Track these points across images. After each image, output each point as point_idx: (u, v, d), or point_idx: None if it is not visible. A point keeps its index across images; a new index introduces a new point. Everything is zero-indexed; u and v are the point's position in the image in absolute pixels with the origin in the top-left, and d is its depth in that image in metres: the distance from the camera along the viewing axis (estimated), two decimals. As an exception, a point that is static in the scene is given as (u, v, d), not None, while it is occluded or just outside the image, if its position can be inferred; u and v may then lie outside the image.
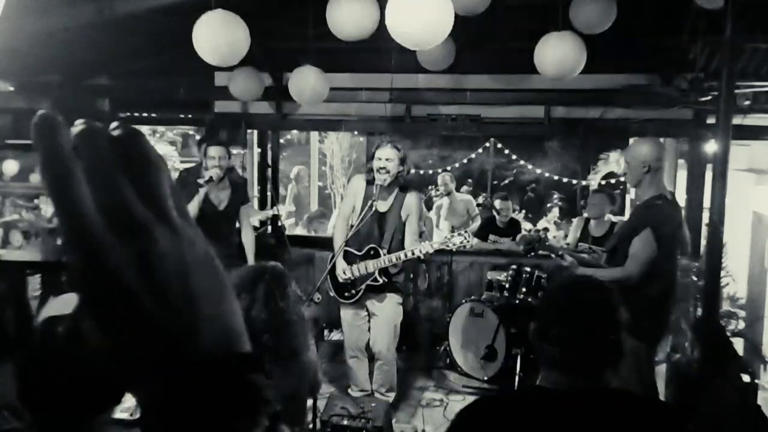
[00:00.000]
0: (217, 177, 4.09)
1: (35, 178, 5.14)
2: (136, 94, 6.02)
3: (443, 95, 5.42)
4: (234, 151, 6.27)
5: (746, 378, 3.08)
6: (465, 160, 9.89)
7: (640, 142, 3.28)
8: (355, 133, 9.99)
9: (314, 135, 9.95)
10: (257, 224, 5.54)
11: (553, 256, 3.54)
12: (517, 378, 4.30)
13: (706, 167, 4.97)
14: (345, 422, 3.02)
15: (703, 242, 3.53)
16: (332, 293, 4.01)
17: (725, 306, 5.05)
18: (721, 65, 3.07)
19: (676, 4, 4.26)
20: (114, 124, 0.38)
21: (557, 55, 3.81)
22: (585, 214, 5.33)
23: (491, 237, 5.85)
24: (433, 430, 4.04)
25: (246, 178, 5.39)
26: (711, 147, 4.51)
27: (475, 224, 6.30)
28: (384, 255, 3.81)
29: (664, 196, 3.08)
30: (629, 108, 5.14)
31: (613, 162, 9.40)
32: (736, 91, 3.95)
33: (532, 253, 3.62)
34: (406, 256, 3.76)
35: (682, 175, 5.71)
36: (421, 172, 9.72)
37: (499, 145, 9.35)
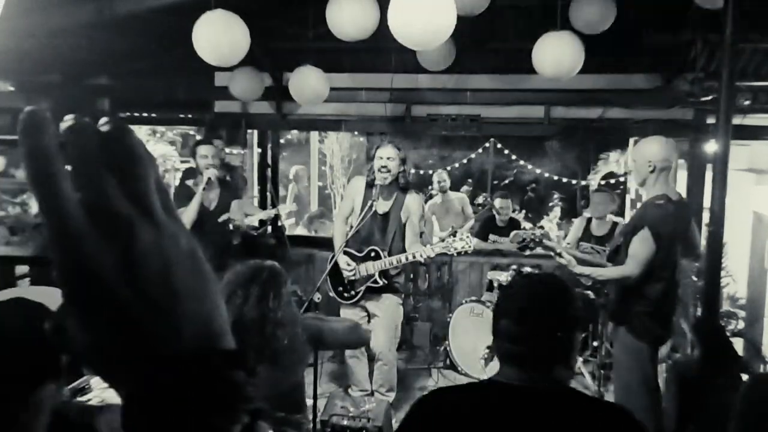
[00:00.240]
0: (215, 176, 4.08)
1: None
2: (136, 94, 6.02)
3: (443, 95, 5.42)
4: (234, 151, 6.28)
5: (746, 378, 3.08)
6: (465, 160, 9.90)
7: (647, 141, 3.21)
8: (355, 133, 10.00)
9: (314, 135, 9.95)
10: (256, 224, 5.53)
11: (551, 254, 3.54)
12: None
13: (706, 167, 4.97)
14: (345, 422, 3.02)
15: (703, 242, 3.52)
16: (332, 294, 4.01)
17: (725, 306, 5.06)
18: (721, 65, 3.07)
19: (676, 3, 4.26)
20: (103, 120, 0.38)
21: (555, 55, 3.81)
22: (586, 214, 5.33)
23: (491, 237, 5.85)
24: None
25: (237, 174, 5.37)
26: (711, 147, 4.51)
27: (468, 224, 6.28)
28: (384, 257, 3.80)
29: (667, 196, 3.06)
30: (629, 108, 5.14)
31: (613, 162, 9.41)
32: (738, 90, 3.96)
33: (527, 251, 3.62)
34: (407, 259, 3.75)
35: (682, 175, 5.71)
36: (421, 172, 9.73)
37: (499, 145, 9.37)
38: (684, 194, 5.17)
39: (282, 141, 7.58)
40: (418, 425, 1.37)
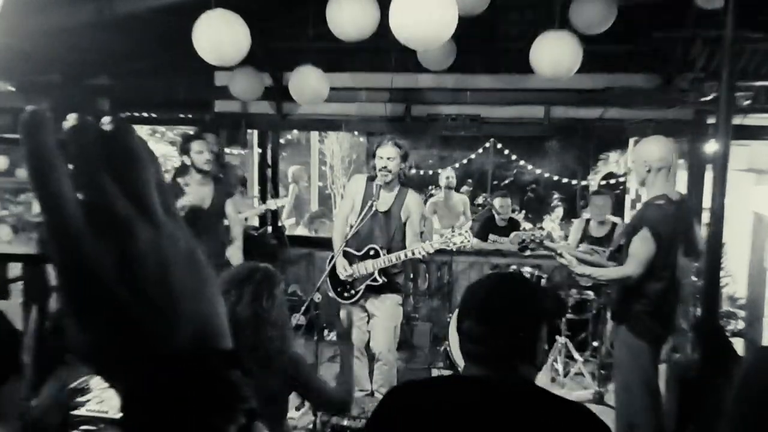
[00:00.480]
0: (211, 168, 4.10)
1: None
2: (136, 94, 6.02)
3: (443, 95, 5.42)
4: (234, 151, 6.28)
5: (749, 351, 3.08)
6: (465, 160, 9.90)
7: (644, 142, 3.24)
8: (355, 133, 10.00)
9: (314, 135, 9.95)
10: (256, 222, 5.53)
11: (553, 254, 3.55)
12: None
13: (706, 167, 4.97)
14: (345, 422, 3.02)
15: (704, 242, 3.52)
16: (332, 294, 4.01)
17: (725, 306, 5.06)
18: (721, 65, 3.07)
19: (676, 3, 4.26)
20: (105, 119, 0.38)
21: (553, 54, 3.81)
22: (585, 215, 5.33)
23: (491, 237, 5.84)
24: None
25: (228, 168, 5.36)
26: (711, 147, 4.51)
27: (468, 224, 6.28)
28: (384, 255, 3.80)
29: (667, 196, 3.07)
30: (629, 108, 5.14)
31: (613, 162, 9.42)
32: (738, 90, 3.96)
33: (527, 251, 3.62)
34: (406, 255, 3.75)
35: (683, 175, 5.71)
36: (421, 172, 9.73)
37: (499, 145, 9.37)
38: (684, 194, 5.19)
39: (282, 141, 7.57)
40: (384, 419, 1.38)
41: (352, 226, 3.82)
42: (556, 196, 10.40)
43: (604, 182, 8.80)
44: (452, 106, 5.44)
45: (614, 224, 5.08)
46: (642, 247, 3.02)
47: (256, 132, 6.48)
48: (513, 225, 6.05)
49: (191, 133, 4.77)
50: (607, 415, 3.50)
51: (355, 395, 3.95)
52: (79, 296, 0.36)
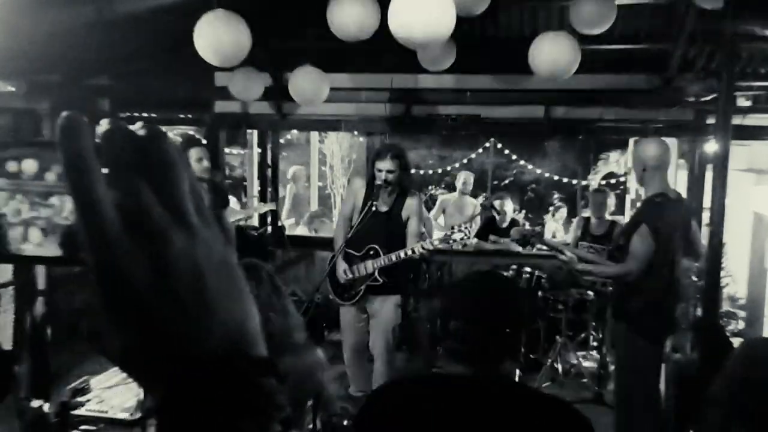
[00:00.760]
0: (208, 176, 4.10)
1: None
2: (136, 94, 6.02)
3: (443, 95, 5.42)
4: (234, 151, 6.28)
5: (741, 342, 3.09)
6: (465, 160, 9.91)
7: (639, 143, 3.36)
8: (355, 133, 9.99)
9: (314, 135, 9.94)
10: (253, 222, 5.53)
11: (553, 252, 3.56)
12: (517, 378, 4.30)
13: (706, 167, 4.97)
14: (345, 422, 3.02)
15: (704, 242, 3.53)
16: (332, 296, 4.01)
17: (725, 306, 5.06)
18: (721, 65, 3.07)
19: (676, 3, 4.26)
20: (139, 124, 0.38)
21: (552, 55, 3.81)
22: (585, 214, 5.34)
23: (491, 237, 5.85)
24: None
25: (224, 179, 5.37)
26: (711, 147, 4.51)
27: (468, 222, 6.28)
28: (383, 255, 3.80)
29: (665, 193, 3.09)
30: (629, 108, 5.14)
31: (613, 162, 9.43)
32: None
33: (528, 247, 3.64)
34: (405, 254, 3.75)
35: (683, 175, 5.71)
36: (421, 172, 9.74)
37: (499, 145, 9.38)
38: (684, 194, 5.19)
39: (282, 141, 7.57)
40: (371, 417, 1.40)
41: (353, 227, 3.83)
42: (556, 196, 10.41)
43: (604, 182, 8.81)
44: (452, 106, 5.43)
45: (614, 222, 5.09)
46: (641, 244, 3.04)
47: (256, 132, 6.48)
48: (513, 225, 6.06)
49: (190, 133, 4.77)
50: (607, 415, 3.50)
51: (356, 394, 3.95)
52: (115, 300, 0.36)
